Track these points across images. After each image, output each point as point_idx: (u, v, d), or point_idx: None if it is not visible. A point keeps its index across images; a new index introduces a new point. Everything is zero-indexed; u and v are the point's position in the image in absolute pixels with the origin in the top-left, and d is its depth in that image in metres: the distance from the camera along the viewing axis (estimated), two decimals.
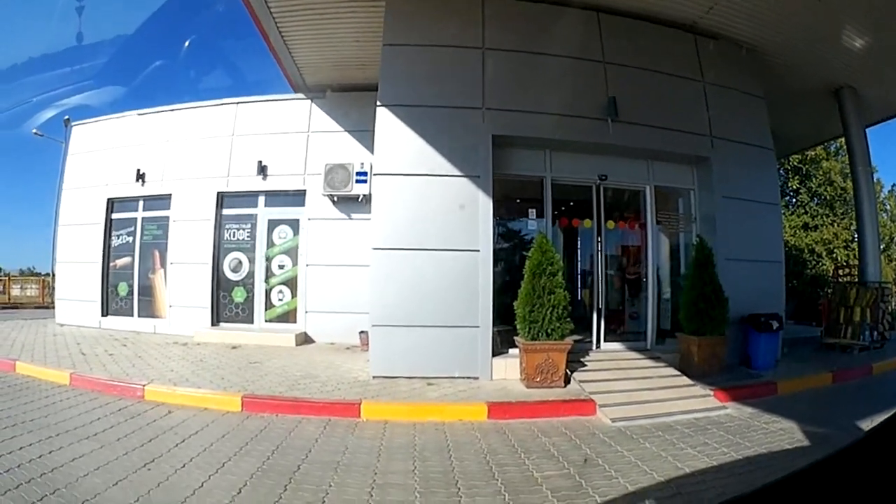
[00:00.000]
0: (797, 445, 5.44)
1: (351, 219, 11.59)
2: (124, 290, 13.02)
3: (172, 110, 13.10)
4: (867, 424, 5.94)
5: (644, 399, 6.82)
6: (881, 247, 13.72)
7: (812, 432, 5.82)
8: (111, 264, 13.21)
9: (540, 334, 7.33)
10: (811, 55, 10.48)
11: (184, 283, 12.12)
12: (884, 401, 7.59)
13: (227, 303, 12.06)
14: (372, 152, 8.89)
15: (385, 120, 8.20)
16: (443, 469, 4.66)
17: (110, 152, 13.40)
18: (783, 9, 9.02)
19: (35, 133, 25.52)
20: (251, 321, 11.94)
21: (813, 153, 23.39)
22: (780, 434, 5.78)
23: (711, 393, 7.15)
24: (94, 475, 4.18)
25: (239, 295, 12.03)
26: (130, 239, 13.05)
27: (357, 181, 11.17)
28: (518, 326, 7.57)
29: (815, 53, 10.42)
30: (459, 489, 4.22)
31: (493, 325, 7.99)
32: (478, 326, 7.89)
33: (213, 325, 11.79)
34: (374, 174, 8.38)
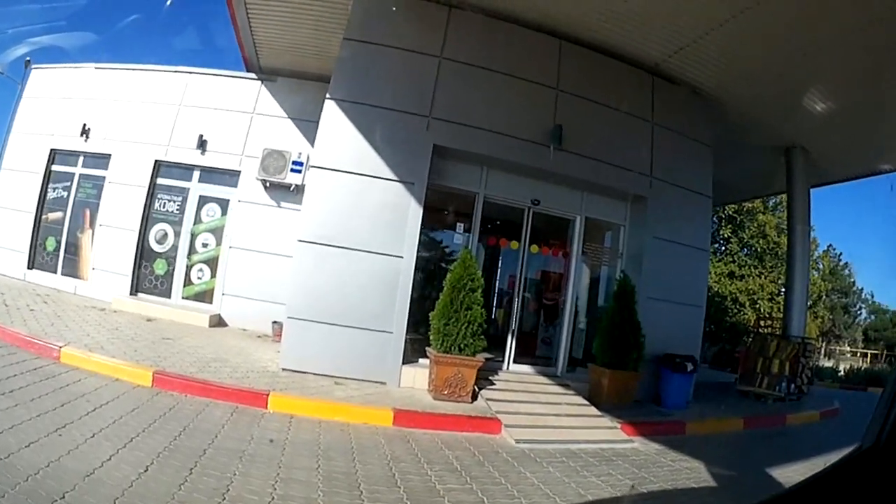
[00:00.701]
0: (703, 485, 5.58)
1: (280, 207, 11.50)
2: (52, 246, 12.59)
3: (126, 69, 12.73)
4: (777, 472, 6.13)
5: (550, 424, 6.91)
6: (808, 303, 14.10)
7: (718, 474, 5.96)
8: (43, 217, 12.75)
9: (453, 348, 7.33)
10: (770, 112, 10.74)
11: (109, 247, 11.79)
12: (795, 449, 7.80)
13: (147, 273, 11.82)
14: (311, 143, 8.82)
15: (331, 113, 8.12)
16: (346, 471, 4.66)
17: (62, 102, 12.94)
18: (750, 65, 9.20)
19: None
20: (169, 296, 11.72)
21: (751, 205, 24.01)
22: (687, 472, 5.90)
23: (619, 426, 7.25)
24: (8, 434, 4.11)
25: (160, 267, 11.80)
26: (65, 194, 12.62)
27: (292, 170, 11.08)
28: (432, 338, 7.56)
29: (774, 111, 10.69)
30: (362, 493, 4.23)
31: (407, 332, 7.99)
32: (391, 332, 7.87)
33: (131, 294, 11.51)
34: (311, 166, 8.32)
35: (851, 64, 8.68)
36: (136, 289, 11.70)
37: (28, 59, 14.45)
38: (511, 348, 9.06)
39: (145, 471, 3.91)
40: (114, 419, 4.93)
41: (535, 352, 9.87)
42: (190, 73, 12.30)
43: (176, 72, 12.34)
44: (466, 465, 5.25)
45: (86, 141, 12.33)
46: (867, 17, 7.34)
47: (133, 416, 5.16)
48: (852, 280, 36.55)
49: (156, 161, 11.80)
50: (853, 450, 1.36)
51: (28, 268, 12.57)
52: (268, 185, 11.42)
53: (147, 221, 11.78)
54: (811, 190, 12.94)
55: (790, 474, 6.03)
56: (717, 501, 5.34)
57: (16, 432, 4.15)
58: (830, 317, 32.95)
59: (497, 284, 10.57)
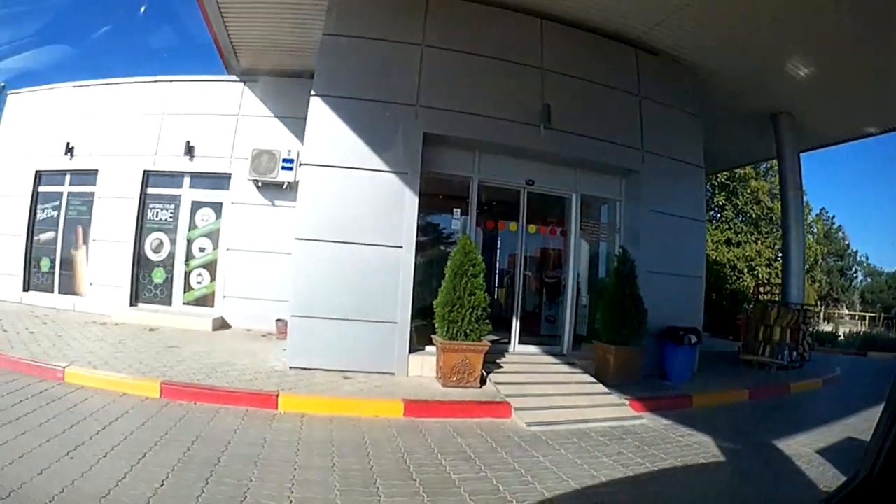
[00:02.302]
0: (711, 460, 5.57)
1: (274, 205, 11.51)
2: (46, 266, 12.57)
3: (106, 84, 12.71)
4: (782, 443, 6.13)
5: (560, 405, 6.88)
6: (805, 268, 14.14)
7: (727, 448, 5.96)
8: (35, 238, 12.70)
9: (458, 335, 7.34)
10: (753, 79, 10.74)
11: (105, 261, 11.79)
12: (800, 419, 7.85)
13: (146, 283, 11.81)
14: (301, 140, 8.79)
15: (318, 110, 8.09)
16: (361, 467, 4.62)
17: (42, 123, 12.90)
18: (732, 32, 9.18)
19: None
20: (169, 303, 11.72)
21: (742, 171, 24.00)
22: (696, 448, 5.89)
23: (627, 402, 7.24)
24: (18, 463, 4.03)
25: (158, 276, 11.79)
26: (55, 213, 12.60)
27: (283, 168, 11.09)
28: (437, 325, 7.58)
29: (758, 78, 10.68)
30: (378, 488, 4.19)
31: (412, 321, 7.99)
32: (396, 322, 7.89)
33: (131, 304, 11.51)
34: (303, 164, 8.29)
35: (830, 29, 8.71)
36: (135, 299, 11.69)
37: (2, 84, 14.35)
38: (516, 329, 9.07)
39: (161, 485, 3.87)
40: (125, 435, 4.89)
41: (539, 331, 9.88)
42: (171, 81, 12.28)
43: (156, 81, 12.33)
44: (479, 452, 5.24)
45: (71, 159, 12.33)
46: None
47: (144, 429, 5.12)
48: (846, 242, 36.88)
49: (144, 171, 11.79)
50: (849, 479, 1.37)
51: (24, 290, 12.56)
52: (260, 184, 11.42)
53: (141, 232, 11.76)
54: (801, 154, 12.98)
55: (796, 445, 6.10)
56: (725, 476, 5.33)
57: (27, 460, 4.09)
58: (828, 280, 33.22)
59: (498, 266, 10.63)
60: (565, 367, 8.43)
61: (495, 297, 9.79)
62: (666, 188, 9.56)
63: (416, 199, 8.06)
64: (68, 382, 6.46)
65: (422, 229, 8.45)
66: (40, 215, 12.72)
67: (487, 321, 7.49)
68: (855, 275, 38.60)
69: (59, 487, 3.66)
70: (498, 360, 8.20)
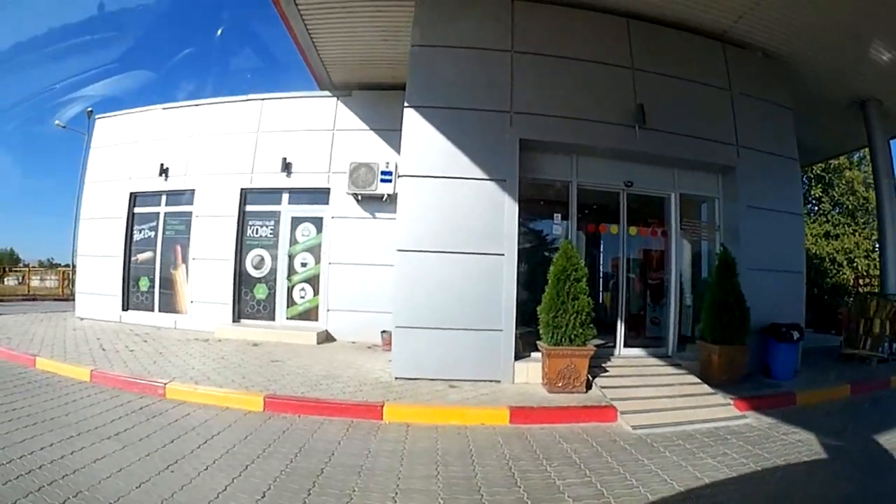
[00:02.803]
0: (814, 458, 5.45)
1: (375, 218, 11.62)
2: (145, 285, 13.08)
3: (197, 105, 13.16)
4: (884, 438, 5.96)
5: (664, 406, 6.83)
6: None
7: (829, 445, 5.82)
8: (133, 258, 13.26)
9: (563, 340, 7.33)
10: (839, 67, 10.48)
11: (205, 278, 12.17)
12: None
13: (248, 299, 12.11)
14: (397, 152, 8.93)
15: (412, 121, 8.21)
16: (465, 475, 4.66)
17: (133, 146, 13.48)
18: (814, 20, 8.97)
19: (58, 125, 25.90)
20: (273, 318, 11.97)
21: (836, 162, 23.29)
22: (798, 445, 5.77)
23: (731, 402, 7.13)
24: (116, 477, 4.17)
25: (261, 292, 12.09)
26: (152, 234, 13.11)
27: (382, 180, 11.22)
28: (541, 331, 7.58)
29: (843, 66, 10.42)
30: (483, 496, 4.22)
31: (517, 327, 8.00)
32: (501, 330, 7.91)
33: (234, 321, 11.83)
34: (400, 175, 8.40)
35: None
36: (238, 315, 12.02)
37: (90, 109, 15.11)
38: (621, 332, 9.00)
39: (262, 497, 3.96)
40: (226, 449, 4.99)
41: (644, 333, 9.80)
42: (263, 99, 12.57)
43: (248, 100, 12.65)
44: (584, 457, 5.23)
45: (166, 180, 12.83)
46: None
47: (245, 443, 5.22)
48: None
49: (241, 189, 12.12)
50: None
51: (123, 309, 13.11)
52: (359, 198, 11.58)
53: (241, 249, 12.11)
54: (891, 141, 12.55)
55: None
56: (827, 476, 5.16)
57: (125, 475, 4.21)
58: None
59: (601, 269, 10.55)
60: (670, 369, 8.32)
61: (599, 300, 9.73)
62: (762, 183, 9.33)
63: (516, 206, 8.08)
64: (170, 398, 6.69)
65: (523, 236, 8.45)
66: (137, 236, 13.28)
67: (591, 325, 7.43)
68: None
69: (158, 501, 3.78)
70: (603, 364, 8.16)
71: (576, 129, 8.41)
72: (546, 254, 8.78)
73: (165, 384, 6.89)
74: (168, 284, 12.87)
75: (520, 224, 8.20)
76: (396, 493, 4.19)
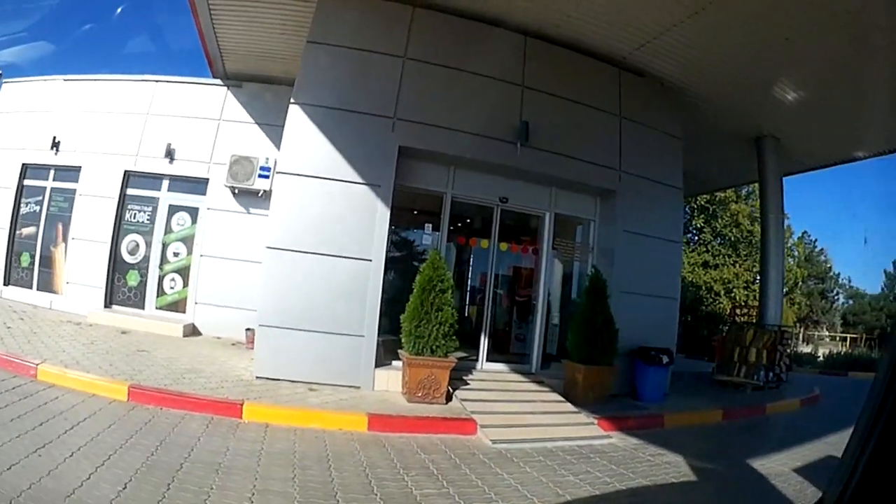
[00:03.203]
0: (683, 480, 5.55)
1: (250, 213, 11.44)
2: (26, 261, 12.46)
3: (95, 80, 12.62)
4: (757, 462, 6.15)
5: (526, 422, 6.90)
6: (784, 290, 14.21)
7: (699, 467, 5.95)
8: (17, 232, 12.60)
9: (425, 350, 7.32)
10: (738, 102, 10.79)
11: (82, 260, 11.70)
12: (776, 439, 7.82)
13: (120, 285, 11.75)
14: (278, 148, 8.77)
15: (296, 118, 8.09)
16: (322, 480, 4.62)
17: (32, 115, 12.78)
18: (716, 55, 9.25)
19: None
20: (142, 307, 11.65)
21: (723, 195, 24.12)
22: (666, 467, 5.90)
23: (595, 421, 7.24)
24: None
25: (133, 278, 11.73)
26: (38, 208, 12.48)
27: (260, 175, 11.06)
28: (403, 340, 7.57)
29: (743, 101, 10.74)
30: (339, 502, 4.21)
31: (380, 335, 7.98)
32: (363, 336, 7.87)
33: (106, 306, 11.43)
34: (277, 172, 8.28)
35: (816, 53, 8.77)
36: (110, 301, 11.62)
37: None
38: (485, 346, 9.05)
39: (124, 488, 3.90)
40: (91, 437, 4.91)
41: (508, 349, 9.92)
42: (156, 81, 12.20)
43: (142, 80, 12.25)
44: (443, 468, 5.24)
45: (56, 154, 12.18)
46: (829, 9, 7.45)
47: (110, 432, 5.15)
48: (829, 265, 37.13)
49: (125, 171, 11.71)
50: (821, 497, 1.38)
51: (4, 284, 12.42)
52: (236, 191, 11.37)
53: (118, 233, 11.69)
54: (784, 178, 13.03)
55: (771, 464, 6.12)
56: (698, 496, 5.33)
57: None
58: (808, 303, 33.40)
59: (469, 283, 10.63)
60: (533, 386, 8.44)
61: (465, 313, 9.81)
62: (642, 209, 9.58)
63: (388, 213, 8.05)
64: (41, 380, 6.50)
65: (393, 244, 8.46)
66: (24, 209, 12.60)
67: (455, 337, 7.46)
68: (836, 297, 38.81)
69: (27, 484, 3.72)
70: (465, 377, 8.19)
71: (457, 140, 8.42)
72: (415, 263, 8.79)
73: (38, 365, 6.70)
74: (48, 262, 12.29)
75: (391, 232, 8.20)
76: (254, 494, 4.14)
